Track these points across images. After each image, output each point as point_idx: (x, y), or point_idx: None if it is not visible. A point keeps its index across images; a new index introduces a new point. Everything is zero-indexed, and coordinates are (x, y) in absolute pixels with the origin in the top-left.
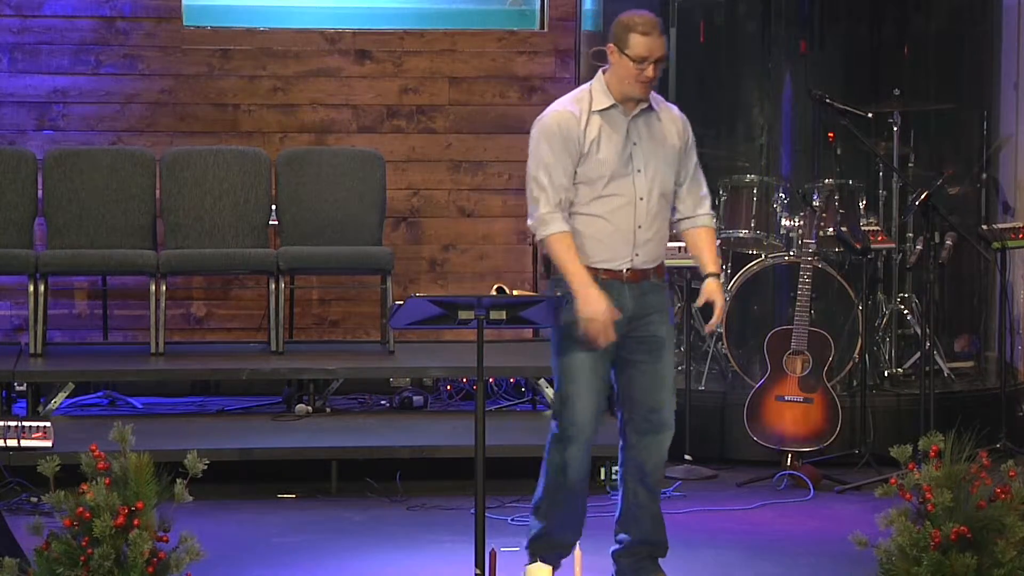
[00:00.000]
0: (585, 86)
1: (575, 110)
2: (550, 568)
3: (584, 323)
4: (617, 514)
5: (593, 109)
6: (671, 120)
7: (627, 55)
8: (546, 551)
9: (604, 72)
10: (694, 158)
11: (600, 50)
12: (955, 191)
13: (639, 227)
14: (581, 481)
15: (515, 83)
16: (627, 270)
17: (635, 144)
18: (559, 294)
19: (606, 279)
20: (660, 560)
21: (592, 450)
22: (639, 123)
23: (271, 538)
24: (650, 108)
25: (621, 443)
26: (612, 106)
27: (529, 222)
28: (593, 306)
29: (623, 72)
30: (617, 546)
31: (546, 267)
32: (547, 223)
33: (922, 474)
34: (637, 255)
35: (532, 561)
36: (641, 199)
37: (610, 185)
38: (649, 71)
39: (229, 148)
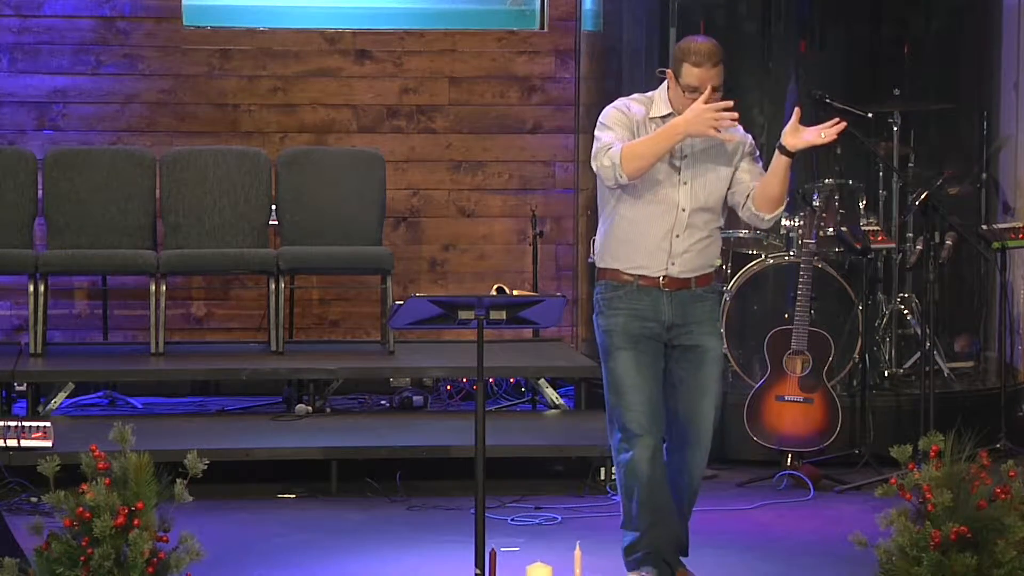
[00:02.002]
0: (652, 92)
1: (633, 107)
2: (550, 568)
3: (710, 131)
4: None
5: (651, 115)
6: (730, 136)
7: (680, 84)
8: (644, 561)
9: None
10: (758, 165)
11: (663, 71)
12: (955, 191)
13: (676, 236)
14: (657, 481)
15: (515, 83)
16: (663, 278)
17: (686, 156)
18: (602, 299)
19: (643, 286)
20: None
21: (591, 450)
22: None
23: (271, 538)
24: None
25: (665, 448)
26: (670, 115)
27: (604, 174)
28: (698, 120)
29: (679, 97)
30: None
31: (591, 273)
32: (608, 154)
33: (922, 474)
34: (673, 264)
35: (632, 569)
36: (683, 210)
37: (654, 193)
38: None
39: (229, 148)
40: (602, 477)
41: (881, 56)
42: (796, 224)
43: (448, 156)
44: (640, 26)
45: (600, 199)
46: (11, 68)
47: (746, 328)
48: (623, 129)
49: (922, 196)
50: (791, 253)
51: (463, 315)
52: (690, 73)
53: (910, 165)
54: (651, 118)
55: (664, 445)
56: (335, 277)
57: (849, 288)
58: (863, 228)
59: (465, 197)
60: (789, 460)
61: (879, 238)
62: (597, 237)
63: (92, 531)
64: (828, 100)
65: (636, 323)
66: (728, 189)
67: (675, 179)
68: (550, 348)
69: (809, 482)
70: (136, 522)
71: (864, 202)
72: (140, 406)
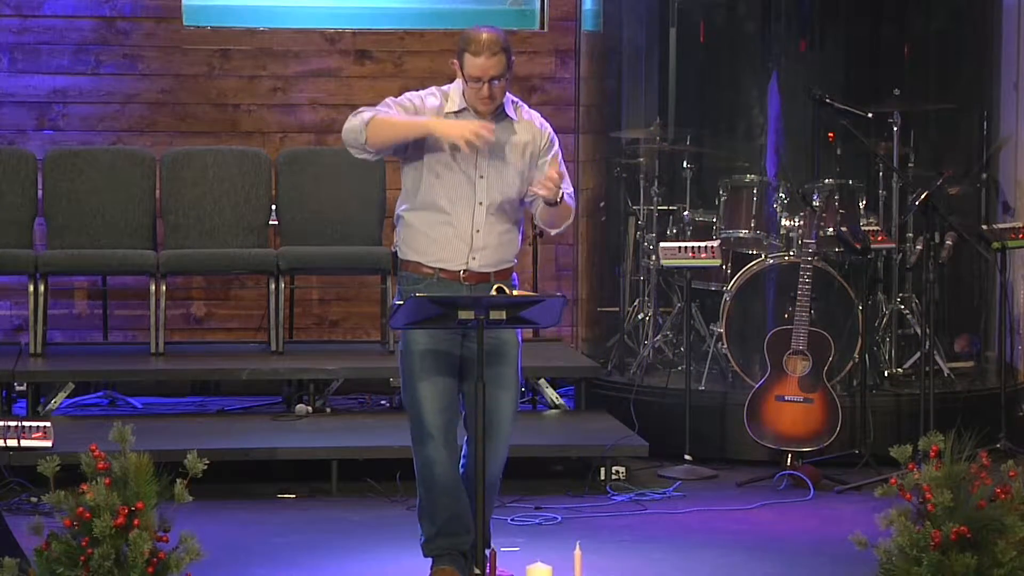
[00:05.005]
0: (447, 86)
1: (428, 100)
2: (550, 568)
3: (460, 141)
4: None
5: (446, 111)
6: (527, 130)
7: (464, 74)
8: (442, 551)
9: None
10: (559, 158)
11: (455, 62)
12: (955, 191)
13: (477, 231)
14: (452, 478)
15: (515, 83)
16: (464, 271)
17: (481, 150)
18: (403, 292)
19: (444, 279)
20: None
21: (591, 450)
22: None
23: (271, 538)
24: (507, 117)
25: (464, 440)
26: (463, 110)
27: (347, 127)
28: (457, 126)
29: (467, 89)
30: None
31: (394, 264)
32: (362, 115)
33: (922, 474)
34: (474, 258)
35: (434, 565)
36: (480, 203)
37: (451, 187)
38: (485, 90)
39: (229, 148)
40: (602, 477)
41: (881, 56)
42: (796, 224)
43: None
44: (640, 26)
45: (403, 191)
46: (11, 68)
47: (746, 328)
48: (403, 112)
49: (922, 196)
50: (791, 253)
51: (463, 315)
52: (471, 63)
53: (910, 165)
54: (446, 113)
55: (465, 438)
56: (335, 277)
57: (849, 288)
58: (863, 228)
59: None
60: (789, 460)
61: (879, 238)
62: (397, 228)
63: (92, 531)
64: (828, 100)
65: None
66: (528, 186)
67: (473, 174)
68: (550, 348)
69: (809, 482)
70: (136, 522)
71: (864, 202)
72: (140, 406)
